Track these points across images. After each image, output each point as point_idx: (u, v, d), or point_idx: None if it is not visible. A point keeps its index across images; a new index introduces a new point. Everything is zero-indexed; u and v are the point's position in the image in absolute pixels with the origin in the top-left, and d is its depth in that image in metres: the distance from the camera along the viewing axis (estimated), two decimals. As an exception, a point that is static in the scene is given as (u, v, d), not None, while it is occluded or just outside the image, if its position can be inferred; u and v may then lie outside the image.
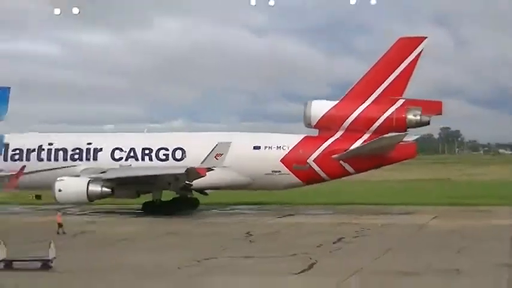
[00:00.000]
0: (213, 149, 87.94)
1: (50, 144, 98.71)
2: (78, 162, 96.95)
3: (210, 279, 48.37)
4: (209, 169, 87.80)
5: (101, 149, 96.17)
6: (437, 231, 74.74)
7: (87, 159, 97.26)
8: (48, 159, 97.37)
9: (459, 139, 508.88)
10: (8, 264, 50.90)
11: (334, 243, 65.22)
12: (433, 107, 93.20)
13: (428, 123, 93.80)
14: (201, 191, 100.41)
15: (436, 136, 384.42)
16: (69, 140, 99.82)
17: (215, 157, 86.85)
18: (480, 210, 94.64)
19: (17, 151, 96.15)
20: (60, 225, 71.79)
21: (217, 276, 49.51)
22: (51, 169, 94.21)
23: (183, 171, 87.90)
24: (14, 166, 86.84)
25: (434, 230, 76.78)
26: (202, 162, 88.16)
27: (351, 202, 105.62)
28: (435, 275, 48.28)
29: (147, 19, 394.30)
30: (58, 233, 69.74)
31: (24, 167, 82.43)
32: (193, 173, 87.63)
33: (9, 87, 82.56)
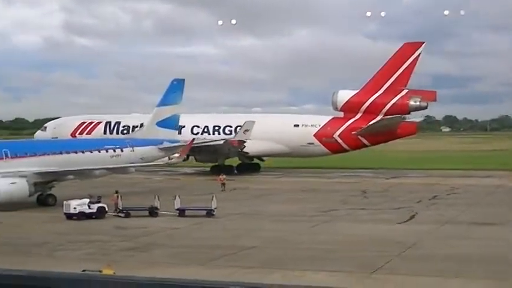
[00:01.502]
0: (242, 126, 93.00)
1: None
2: None
3: (334, 224, 50.02)
4: (241, 141, 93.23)
5: (184, 126, 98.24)
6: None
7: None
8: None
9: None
10: (182, 212, 53.69)
11: (429, 199, 66.05)
12: (430, 96, 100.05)
13: (426, 107, 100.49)
14: (259, 157, 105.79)
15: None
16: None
17: (243, 132, 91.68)
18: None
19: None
20: (223, 184, 74.21)
21: (339, 222, 51.15)
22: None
23: (221, 142, 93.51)
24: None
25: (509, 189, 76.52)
26: (234, 136, 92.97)
27: (440, 168, 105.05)
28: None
29: (286, 28, 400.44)
30: (222, 190, 71.71)
31: (193, 140, 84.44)
32: (227, 144, 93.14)
33: (184, 79, 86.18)
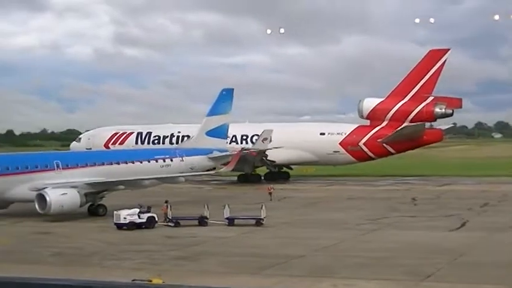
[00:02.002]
0: (260, 134, 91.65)
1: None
2: None
3: (383, 232, 49.88)
4: (261, 151, 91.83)
5: None
6: None
7: None
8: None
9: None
10: (231, 221, 53.94)
11: (481, 206, 65.45)
12: (455, 103, 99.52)
13: (451, 114, 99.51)
14: (286, 166, 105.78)
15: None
16: None
17: (262, 141, 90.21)
18: None
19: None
20: (270, 193, 73.68)
21: (389, 230, 50.99)
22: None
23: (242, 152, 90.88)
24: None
25: None
26: (253, 146, 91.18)
27: (492, 174, 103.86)
28: None
29: (335, 36, 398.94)
30: (271, 200, 70.93)
31: (242, 149, 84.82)
32: (245, 154, 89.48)
33: (233, 88, 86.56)
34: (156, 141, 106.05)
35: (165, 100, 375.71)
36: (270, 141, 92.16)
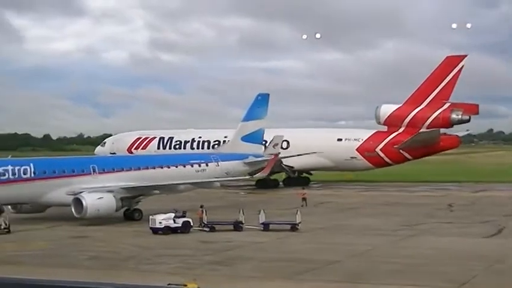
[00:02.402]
0: (271, 140, 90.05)
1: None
2: None
3: (419, 238, 49.60)
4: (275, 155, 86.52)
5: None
6: None
7: None
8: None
9: None
10: (266, 226, 54.04)
11: (518, 213, 64.85)
12: (472, 109, 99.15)
13: (468, 121, 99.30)
14: (305, 171, 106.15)
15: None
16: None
17: (273, 146, 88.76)
18: None
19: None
20: (304, 199, 72.96)
21: (425, 236, 50.69)
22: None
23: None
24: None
25: None
26: (264, 151, 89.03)
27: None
28: None
29: (371, 41, 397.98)
30: (302, 205, 69.82)
31: (278, 154, 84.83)
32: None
33: (268, 94, 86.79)
34: (177, 146, 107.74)
35: (201, 105, 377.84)
36: (282, 147, 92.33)
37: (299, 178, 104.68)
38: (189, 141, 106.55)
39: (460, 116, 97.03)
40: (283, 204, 71.44)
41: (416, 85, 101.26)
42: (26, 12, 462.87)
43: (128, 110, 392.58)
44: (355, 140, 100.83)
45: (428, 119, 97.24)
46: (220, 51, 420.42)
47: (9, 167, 60.88)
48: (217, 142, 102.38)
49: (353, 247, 45.85)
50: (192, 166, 73.24)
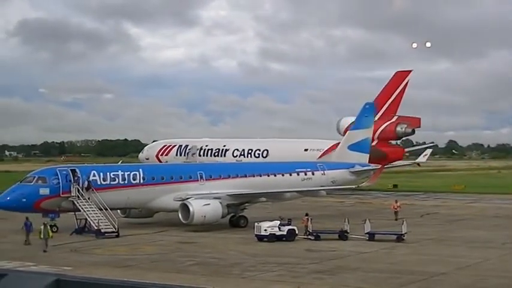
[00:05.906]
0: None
1: None
2: None
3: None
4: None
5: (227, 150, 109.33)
6: None
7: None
8: None
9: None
10: (372, 236, 53.68)
11: None
12: (414, 122, 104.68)
13: (412, 133, 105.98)
14: None
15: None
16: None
17: None
18: None
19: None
20: (396, 212, 69.68)
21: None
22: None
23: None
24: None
25: None
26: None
27: None
28: None
29: (482, 50, 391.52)
30: (396, 219, 66.08)
31: (385, 164, 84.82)
32: None
33: (373, 102, 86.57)
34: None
35: (310, 114, 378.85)
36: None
37: None
38: (198, 149, 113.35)
39: (403, 130, 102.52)
40: (389, 214, 70.75)
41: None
42: (141, 22, 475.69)
43: (236, 118, 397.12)
44: (317, 150, 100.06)
45: (377, 131, 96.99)
46: (329, 61, 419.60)
47: (120, 173, 62.61)
48: (217, 150, 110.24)
49: (460, 259, 45.05)
50: (298, 174, 73.41)
